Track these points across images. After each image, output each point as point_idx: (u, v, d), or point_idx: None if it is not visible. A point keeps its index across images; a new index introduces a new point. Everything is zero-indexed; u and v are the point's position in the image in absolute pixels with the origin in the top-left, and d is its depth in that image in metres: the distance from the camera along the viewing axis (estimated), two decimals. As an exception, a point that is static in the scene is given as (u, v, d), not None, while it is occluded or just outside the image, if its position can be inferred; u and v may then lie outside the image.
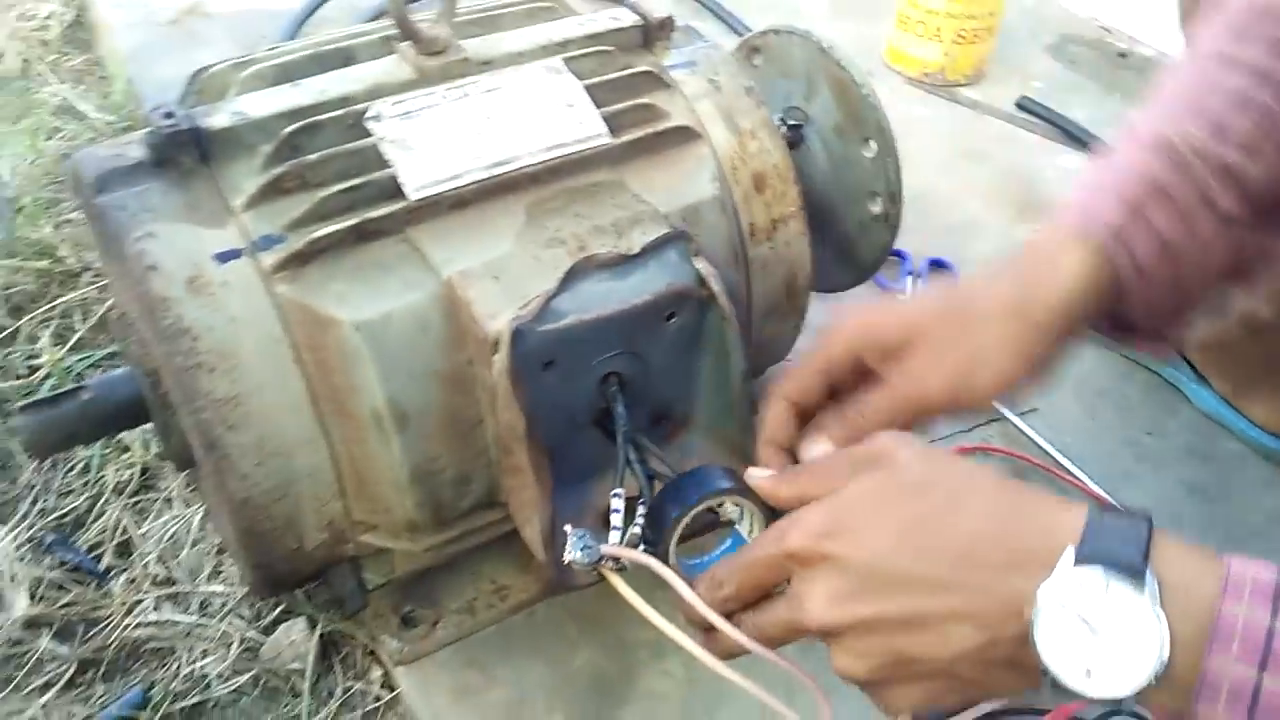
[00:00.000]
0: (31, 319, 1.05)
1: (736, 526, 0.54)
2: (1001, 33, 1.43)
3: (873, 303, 0.60)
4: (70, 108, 1.34)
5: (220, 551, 0.88)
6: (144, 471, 0.94)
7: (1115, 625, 0.40)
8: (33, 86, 1.39)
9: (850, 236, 0.87)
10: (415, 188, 0.59)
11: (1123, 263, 0.55)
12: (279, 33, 1.39)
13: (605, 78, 0.68)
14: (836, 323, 0.58)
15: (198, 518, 0.90)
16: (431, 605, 0.79)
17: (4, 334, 1.04)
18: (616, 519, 0.53)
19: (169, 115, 0.58)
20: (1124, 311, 0.58)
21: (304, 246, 0.57)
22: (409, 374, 0.59)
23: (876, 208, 0.84)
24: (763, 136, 0.73)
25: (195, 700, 0.79)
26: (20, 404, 0.64)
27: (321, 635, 0.81)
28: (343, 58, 0.66)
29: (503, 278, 0.59)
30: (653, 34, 0.72)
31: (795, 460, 0.57)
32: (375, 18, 1.40)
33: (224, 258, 0.57)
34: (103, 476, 0.93)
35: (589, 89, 0.67)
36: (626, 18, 0.72)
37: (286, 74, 0.64)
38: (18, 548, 0.87)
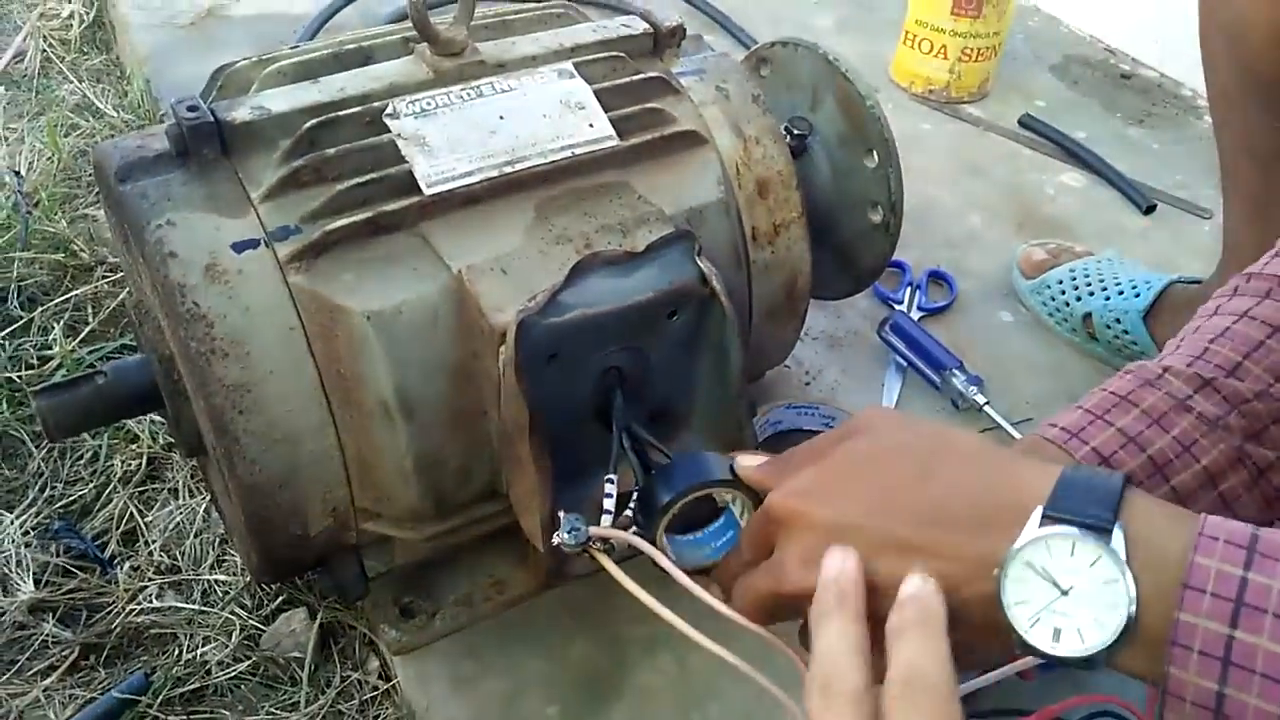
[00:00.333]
0: (45, 311, 1.07)
1: (730, 507, 0.55)
2: (1006, 51, 1.46)
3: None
4: (89, 105, 1.36)
5: (223, 541, 0.90)
6: (150, 462, 0.96)
7: (1082, 583, 0.40)
8: (52, 84, 1.41)
9: (850, 244, 0.89)
10: (429, 184, 0.61)
11: (1083, 454, 0.56)
12: (296, 37, 1.41)
13: (615, 82, 0.70)
14: None
15: (202, 508, 0.91)
16: (430, 597, 0.80)
17: (17, 325, 1.05)
18: (609, 503, 0.55)
19: (192, 108, 0.60)
20: None
21: (319, 238, 0.59)
22: (418, 365, 0.60)
23: (877, 217, 0.86)
24: (767, 143, 0.75)
25: (195, 686, 0.80)
26: (38, 387, 0.65)
27: (321, 625, 0.82)
28: (362, 57, 0.68)
29: (511, 272, 0.60)
30: (663, 41, 0.74)
31: None
32: (395, 20, 1.43)
33: (241, 247, 0.59)
34: (110, 465, 0.95)
35: (599, 93, 0.68)
36: (638, 25, 0.74)
37: (307, 71, 0.66)
38: (24, 533, 0.89)
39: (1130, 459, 0.56)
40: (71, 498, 0.93)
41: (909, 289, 1.11)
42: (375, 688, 0.80)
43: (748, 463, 0.53)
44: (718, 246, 0.70)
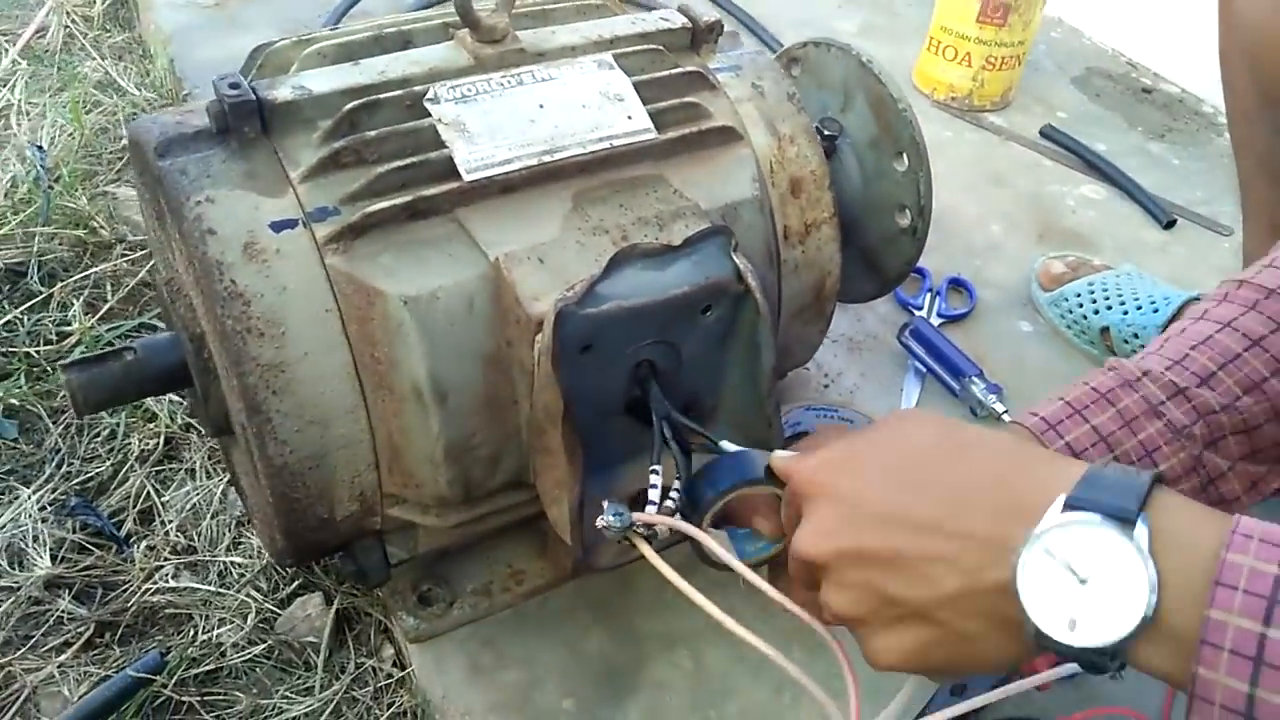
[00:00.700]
0: (64, 287, 1.07)
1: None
2: (1029, 62, 1.46)
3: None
4: (111, 83, 1.36)
5: (240, 524, 0.90)
6: (168, 441, 0.96)
7: (1102, 573, 0.39)
8: (74, 60, 1.41)
9: (876, 248, 0.89)
10: (469, 170, 0.61)
11: (1057, 447, 0.59)
12: (322, 20, 1.41)
13: (653, 75, 0.70)
14: None
15: (220, 489, 0.91)
16: (448, 586, 0.80)
17: (37, 300, 1.05)
18: (653, 493, 0.55)
19: (234, 85, 0.59)
20: None
21: (358, 220, 0.59)
22: (452, 351, 0.60)
23: (905, 221, 0.86)
24: (801, 142, 0.75)
25: (210, 668, 0.80)
26: (68, 361, 0.65)
27: (336, 610, 0.82)
28: (402, 41, 0.68)
29: (548, 262, 0.60)
30: (700, 37, 0.74)
31: None
32: (426, 5, 1.42)
33: (279, 226, 0.59)
34: (128, 444, 0.95)
35: (637, 85, 0.68)
36: (676, 19, 0.74)
37: (348, 53, 0.66)
38: (41, 509, 0.89)
39: (1097, 456, 0.59)
40: (88, 474, 0.93)
41: (929, 295, 1.11)
42: (389, 675, 0.80)
43: (782, 456, 0.53)
44: (751, 244, 0.70)
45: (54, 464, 0.93)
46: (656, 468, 0.56)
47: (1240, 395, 0.60)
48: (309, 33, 0.68)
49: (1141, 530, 0.39)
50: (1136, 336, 1.03)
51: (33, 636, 0.81)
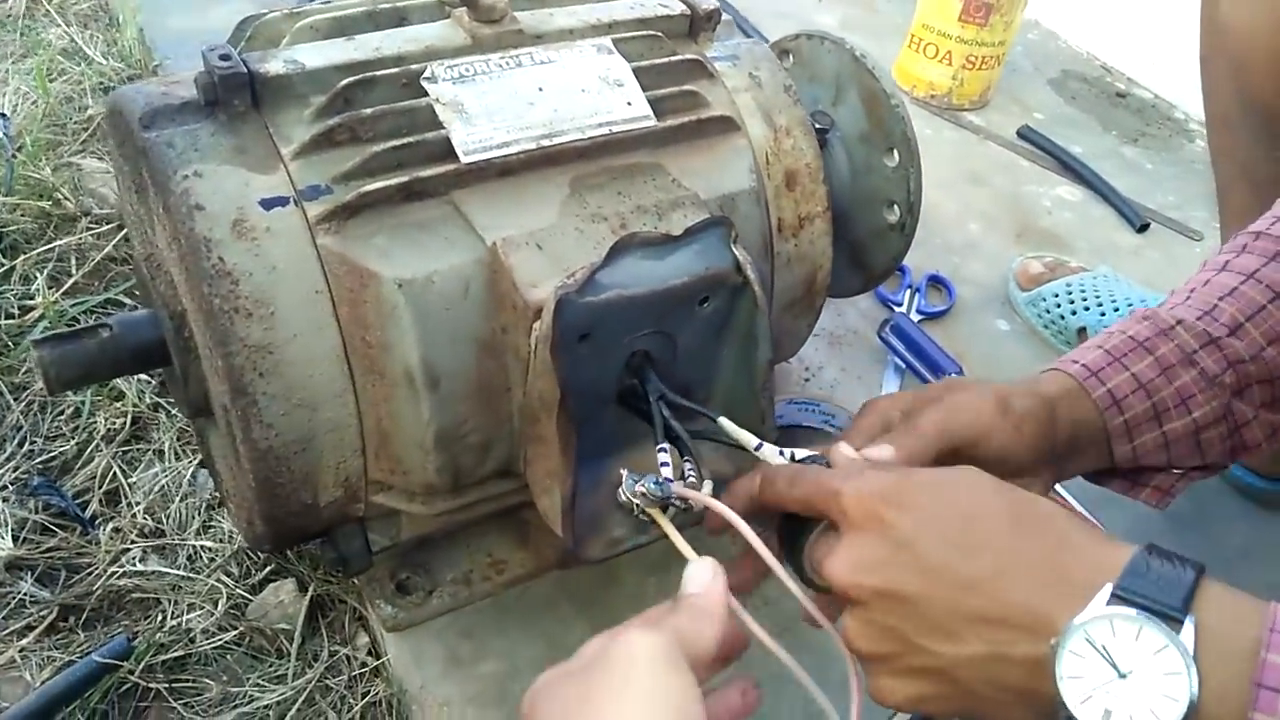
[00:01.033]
0: (27, 259, 1.03)
1: None
2: (1006, 62, 1.47)
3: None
4: (78, 50, 1.32)
5: (211, 506, 0.87)
6: (135, 421, 0.93)
7: (1143, 669, 0.39)
8: (38, 26, 1.36)
9: (863, 243, 0.89)
10: (466, 152, 0.60)
11: (1099, 394, 0.62)
12: (296, -4, 1.38)
13: (652, 62, 0.69)
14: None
15: (190, 471, 0.89)
16: (427, 574, 0.78)
17: (-2, 271, 1.02)
18: (666, 471, 0.54)
19: (225, 57, 0.57)
20: (1112, 451, 0.64)
21: (352, 200, 0.57)
22: (446, 336, 0.59)
23: (893, 216, 0.85)
24: (797, 134, 0.74)
25: (179, 654, 0.78)
26: (40, 337, 0.63)
27: (310, 597, 0.81)
28: (396, 17, 0.66)
29: (546, 248, 0.59)
30: (699, 24, 0.73)
31: None
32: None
33: (270, 204, 0.57)
34: (93, 422, 0.92)
35: (636, 71, 0.67)
36: (674, 6, 0.73)
37: (340, 28, 0.64)
38: (2, 489, 0.86)
39: (1137, 404, 0.62)
40: (52, 454, 0.90)
41: (909, 292, 1.12)
42: (364, 664, 0.79)
43: (846, 452, 0.53)
44: (748, 236, 0.69)
45: (15, 442, 0.90)
46: (665, 446, 0.55)
47: (1264, 346, 0.63)
48: (300, 5, 0.66)
49: (1188, 629, 0.39)
50: (1111, 338, 1.04)
51: (-7, 619, 0.78)
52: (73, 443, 0.91)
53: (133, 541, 0.84)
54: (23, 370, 0.95)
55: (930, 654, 0.44)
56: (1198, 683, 0.38)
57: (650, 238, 0.59)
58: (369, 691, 0.77)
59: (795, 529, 0.52)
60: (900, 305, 1.10)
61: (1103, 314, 1.06)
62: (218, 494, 0.86)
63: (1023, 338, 1.11)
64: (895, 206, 0.85)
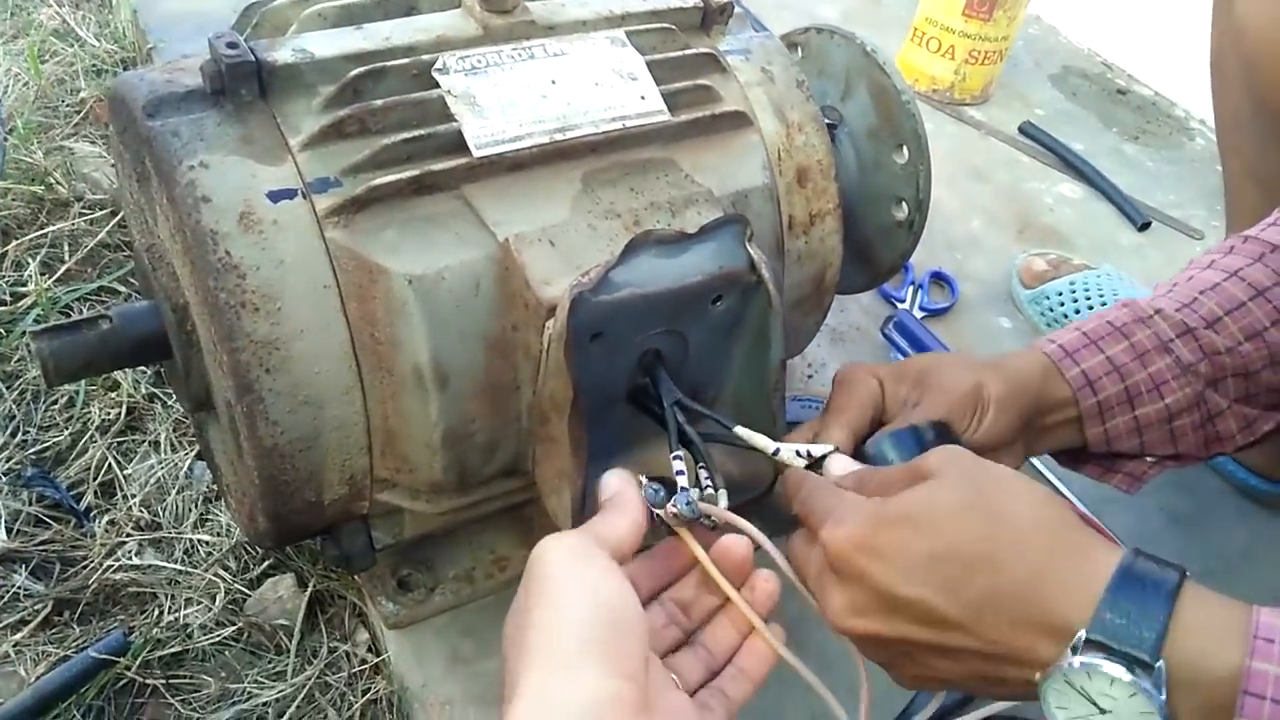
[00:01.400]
0: (19, 245, 1.02)
1: None
2: (1008, 58, 1.46)
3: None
4: (70, 32, 1.29)
5: (208, 499, 0.86)
6: (130, 411, 0.92)
7: (1121, 710, 0.41)
8: (29, 6, 1.34)
9: (871, 239, 0.88)
10: (478, 145, 0.59)
11: (1073, 374, 0.65)
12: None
13: (666, 55, 0.68)
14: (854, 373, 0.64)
15: (186, 463, 0.88)
16: (429, 571, 0.78)
17: (-10, 257, 1.00)
18: (682, 480, 0.53)
19: (232, 45, 0.56)
20: (1084, 431, 0.66)
21: (362, 193, 0.56)
22: (456, 333, 0.58)
23: (901, 213, 0.85)
24: (810, 130, 0.73)
25: (176, 649, 0.77)
26: (38, 328, 0.62)
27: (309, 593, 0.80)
28: (406, 6, 0.65)
29: (558, 245, 0.58)
30: (712, 17, 0.72)
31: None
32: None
33: (277, 196, 0.56)
34: (88, 413, 0.91)
35: (649, 65, 0.66)
36: (688, -2, 0.72)
37: (349, 17, 0.63)
38: (-6, 479, 0.85)
39: (1110, 386, 0.65)
40: (45, 444, 0.88)
41: (912, 288, 1.11)
42: (364, 661, 0.78)
43: (839, 469, 0.54)
44: (760, 233, 0.68)
45: (8, 432, 0.88)
46: (680, 453, 0.55)
47: (1242, 341, 0.65)
48: (306, -9, 0.65)
49: (1160, 676, 0.40)
50: (1114, 337, 1.04)
51: (-14, 613, 0.77)
52: (67, 433, 0.89)
53: (128, 534, 0.83)
54: (15, 359, 0.93)
55: (940, 670, 0.47)
56: (1169, 716, 0.40)
57: (665, 235, 0.58)
58: (369, 689, 0.76)
59: None
60: (903, 302, 1.10)
61: (1106, 313, 1.05)
62: (215, 487, 0.85)
63: (1025, 335, 1.10)
64: (904, 203, 0.84)
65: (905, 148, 0.83)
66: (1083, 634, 0.41)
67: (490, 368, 0.60)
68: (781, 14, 1.55)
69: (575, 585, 0.43)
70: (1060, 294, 1.09)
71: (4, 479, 0.85)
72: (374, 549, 0.68)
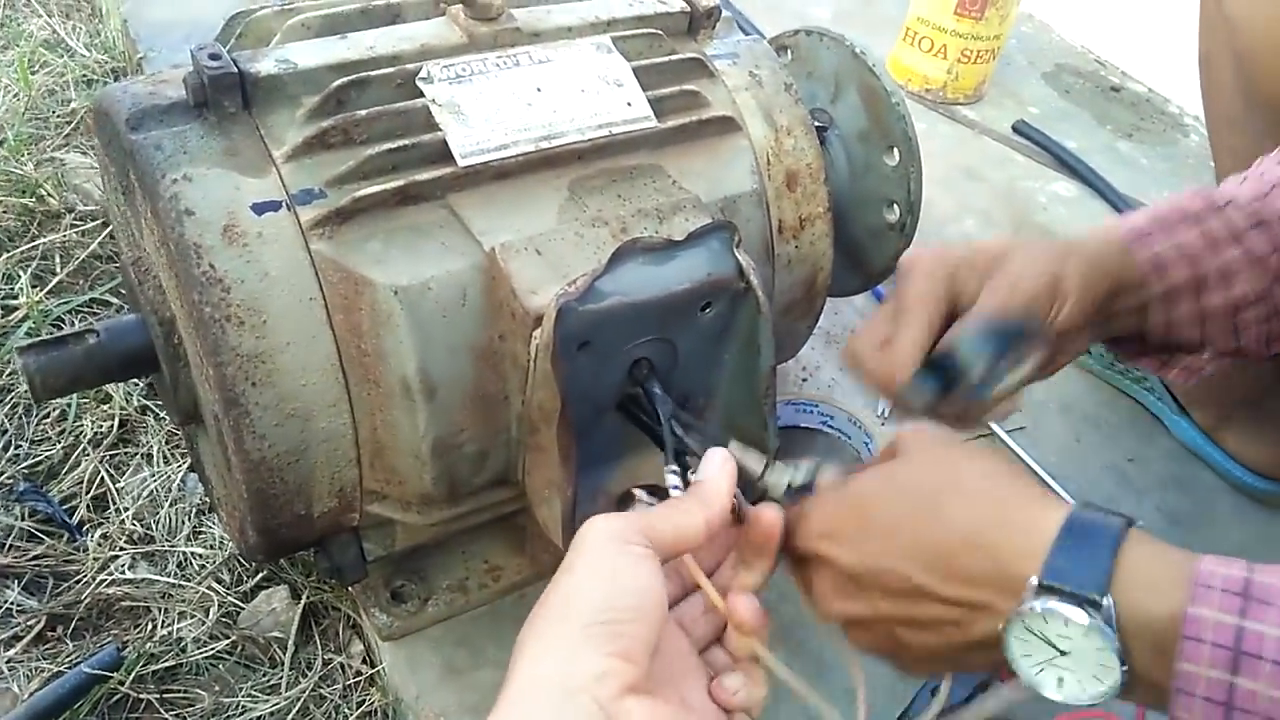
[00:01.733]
0: (10, 258, 1.01)
1: None
2: (1000, 56, 1.45)
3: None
4: (60, 42, 1.29)
5: (201, 512, 0.86)
6: (123, 424, 0.91)
7: (1079, 648, 0.42)
8: (18, 17, 1.34)
9: (862, 242, 0.88)
10: (463, 154, 0.58)
11: (1143, 256, 0.63)
12: (283, -13, 1.35)
13: (652, 61, 0.67)
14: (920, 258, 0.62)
15: (179, 476, 0.87)
16: (423, 581, 0.77)
17: (-20, 271, 1.00)
18: (677, 494, 0.53)
19: (215, 56, 0.56)
20: (1147, 318, 0.65)
21: (346, 204, 0.56)
22: (443, 344, 0.57)
23: (893, 216, 0.84)
24: (798, 134, 0.73)
25: (170, 664, 0.77)
26: (24, 344, 0.61)
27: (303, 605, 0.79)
28: (390, 15, 0.65)
29: (545, 254, 0.58)
30: (698, 21, 0.72)
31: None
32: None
33: (261, 209, 0.55)
34: (80, 426, 0.90)
35: (636, 71, 0.66)
36: (674, 2, 0.71)
37: (332, 26, 0.63)
38: (-14, 493, 0.84)
39: (1178, 272, 0.63)
40: (37, 458, 0.88)
41: (906, 289, 1.11)
42: (359, 673, 0.77)
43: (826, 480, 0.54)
44: (749, 238, 0.68)
45: (0, 446, 0.88)
46: (675, 468, 0.54)
47: None
48: (291, 2, 0.64)
49: (1108, 610, 0.42)
50: (1109, 336, 1.03)
51: (-21, 630, 0.77)
52: (59, 447, 0.89)
53: (121, 548, 0.83)
54: (6, 372, 0.93)
55: (921, 648, 0.48)
56: (1123, 656, 0.42)
57: (652, 243, 0.58)
58: (364, 701, 0.76)
59: None
60: (897, 303, 1.09)
61: (1101, 312, 1.05)
62: (208, 499, 0.84)
63: (1020, 336, 1.10)
64: (895, 206, 0.84)
65: (896, 150, 0.82)
66: (1034, 579, 0.43)
67: (478, 378, 0.59)
68: (773, 15, 1.55)
69: (596, 569, 0.42)
70: (1055, 293, 1.08)
71: (-5, 493, 0.85)
72: (366, 561, 0.68)
